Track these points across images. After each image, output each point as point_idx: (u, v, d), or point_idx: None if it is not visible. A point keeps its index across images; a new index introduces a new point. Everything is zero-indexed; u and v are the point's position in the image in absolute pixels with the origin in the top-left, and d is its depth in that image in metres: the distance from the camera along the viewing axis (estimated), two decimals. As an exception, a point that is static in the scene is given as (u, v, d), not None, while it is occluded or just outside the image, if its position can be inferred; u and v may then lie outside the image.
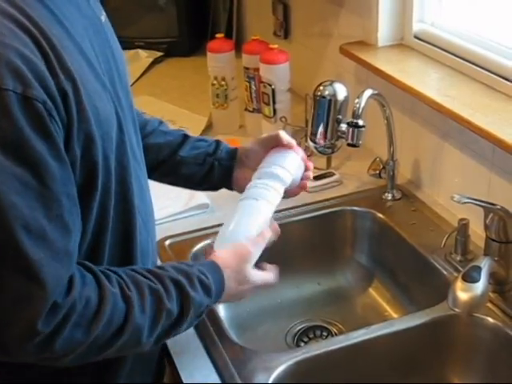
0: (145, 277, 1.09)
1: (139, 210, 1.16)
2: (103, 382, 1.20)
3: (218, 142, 1.44)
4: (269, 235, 1.26)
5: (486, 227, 1.39)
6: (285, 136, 1.37)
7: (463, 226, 1.49)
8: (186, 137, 1.44)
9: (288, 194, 1.38)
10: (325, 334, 1.62)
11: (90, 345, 1.01)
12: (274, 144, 1.38)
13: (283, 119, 2.01)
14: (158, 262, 1.41)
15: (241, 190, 1.38)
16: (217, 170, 1.41)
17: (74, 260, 1.01)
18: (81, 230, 1.02)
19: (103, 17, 1.15)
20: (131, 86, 1.27)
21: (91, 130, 0.99)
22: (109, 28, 1.17)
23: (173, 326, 1.11)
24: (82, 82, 0.97)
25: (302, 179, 1.40)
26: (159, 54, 2.88)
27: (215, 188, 1.46)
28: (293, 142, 1.38)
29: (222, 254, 1.21)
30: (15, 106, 0.89)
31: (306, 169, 1.41)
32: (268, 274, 1.27)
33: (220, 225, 1.67)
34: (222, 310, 1.64)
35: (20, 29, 0.92)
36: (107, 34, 1.14)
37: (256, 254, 1.23)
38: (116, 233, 1.11)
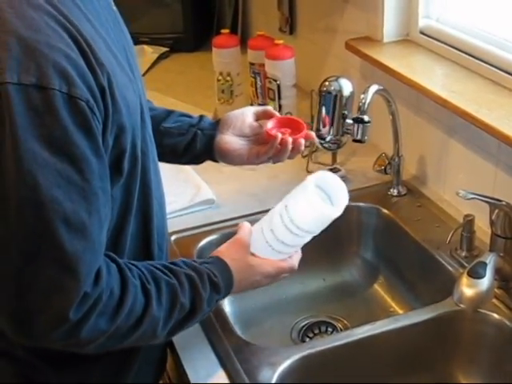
0: (162, 272, 1.14)
1: (155, 194, 1.21)
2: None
3: (201, 116, 1.48)
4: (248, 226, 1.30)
5: (492, 223, 1.39)
6: (272, 110, 1.44)
7: (468, 222, 1.49)
8: (171, 112, 1.47)
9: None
10: (330, 329, 1.62)
11: (111, 334, 1.05)
12: (260, 115, 1.44)
13: (288, 115, 2.01)
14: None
15: (222, 156, 1.43)
16: (199, 139, 1.43)
17: (103, 251, 1.05)
18: (109, 221, 1.07)
19: (114, 6, 1.18)
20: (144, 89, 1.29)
21: (123, 120, 1.04)
22: (119, 17, 1.20)
23: (185, 319, 1.15)
24: (114, 75, 1.01)
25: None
26: (164, 49, 2.88)
27: (198, 158, 1.47)
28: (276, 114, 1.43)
29: (222, 249, 1.27)
30: (61, 104, 0.93)
31: (307, 137, 1.40)
32: (281, 262, 1.29)
33: (225, 220, 1.69)
34: (227, 305, 1.64)
35: (61, 28, 0.96)
36: (120, 24, 1.18)
37: (248, 235, 1.28)
38: (137, 215, 1.16)
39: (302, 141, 1.39)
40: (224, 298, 1.23)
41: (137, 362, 1.25)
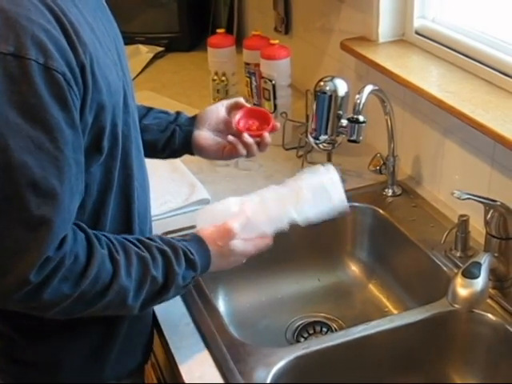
0: (134, 244, 1.17)
1: (137, 177, 1.23)
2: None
3: (178, 112, 1.53)
4: (249, 212, 1.30)
5: (486, 223, 1.39)
6: (243, 101, 1.51)
7: (463, 222, 1.49)
8: (149, 109, 1.52)
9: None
10: (325, 329, 1.63)
11: (75, 299, 1.08)
12: (232, 107, 1.50)
13: (284, 115, 2.01)
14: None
15: (199, 151, 1.49)
16: (178, 135, 1.49)
17: (72, 220, 1.08)
18: (83, 195, 1.10)
19: (104, 2, 1.23)
20: (131, 80, 1.31)
21: (103, 99, 1.07)
22: (109, 11, 1.24)
23: (158, 293, 1.18)
24: (96, 56, 1.05)
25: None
26: (160, 49, 2.87)
27: (176, 153, 1.53)
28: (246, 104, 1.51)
29: (207, 231, 1.27)
30: (37, 74, 0.97)
31: (272, 128, 1.48)
32: (260, 240, 1.32)
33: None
34: (221, 305, 1.64)
35: (44, 6, 1.00)
36: (110, 17, 1.22)
37: (238, 229, 1.27)
38: (117, 195, 1.19)
39: (267, 135, 1.46)
40: (201, 275, 1.25)
41: (117, 345, 1.27)
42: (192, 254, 1.21)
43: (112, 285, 1.11)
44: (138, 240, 1.18)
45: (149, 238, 1.21)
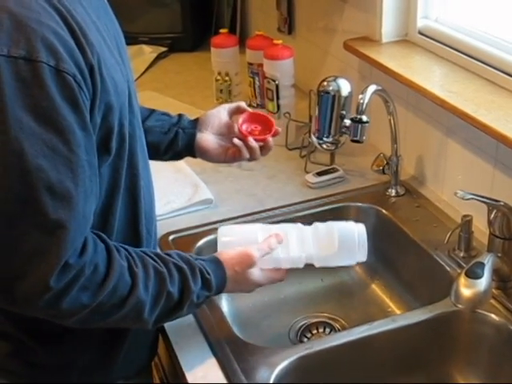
0: (152, 259, 1.17)
1: (142, 176, 1.23)
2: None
3: (180, 114, 1.54)
4: (274, 243, 1.31)
5: (490, 223, 1.39)
6: (244, 106, 1.53)
7: (467, 223, 1.49)
8: (152, 111, 1.52)
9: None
10: (328, 329, 1.62)
11: (93, 309, 1.08)
12: (234, 111, 1.51)
13: (287, 115, 2.01)
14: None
15: (202, 154, 1.50)
16: (181, 137, 1.50)
17: (89, 225, 1.08)
18: (97, 197, 1.09)
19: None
20: (135, 81, 1.31)
21: (111, 99, 1.07)
22: (110, 9, 1.24)
23: (172, 309, 1.19)
24: (103, 56, 1.05)
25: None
26: (163, 49, 2.88)
27: (179, 155, 1.53)
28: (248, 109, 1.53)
29: (227, 255, 1.27)
30: (48, 77, 0.97)
31: (275, 133, 1.49)
32: (275, 274, 1.33)
33: (223, 220, 1.69)
34: (224, 305, 1.64)
35: (51, 8, 1.00)
36: (111, 14, 1.22)
37: (259, 258, 1.28)
38: (124, 195, 1.19)
39: (271, 140, 1.49)
40: (214, 295, 1.25)
41: (126, 345, 1.28)
42: (208, 273, 1.21)
43: (129, 297, 1.11)
44: (156, 255, 1.19)
45: (167, 254, 1.21)
